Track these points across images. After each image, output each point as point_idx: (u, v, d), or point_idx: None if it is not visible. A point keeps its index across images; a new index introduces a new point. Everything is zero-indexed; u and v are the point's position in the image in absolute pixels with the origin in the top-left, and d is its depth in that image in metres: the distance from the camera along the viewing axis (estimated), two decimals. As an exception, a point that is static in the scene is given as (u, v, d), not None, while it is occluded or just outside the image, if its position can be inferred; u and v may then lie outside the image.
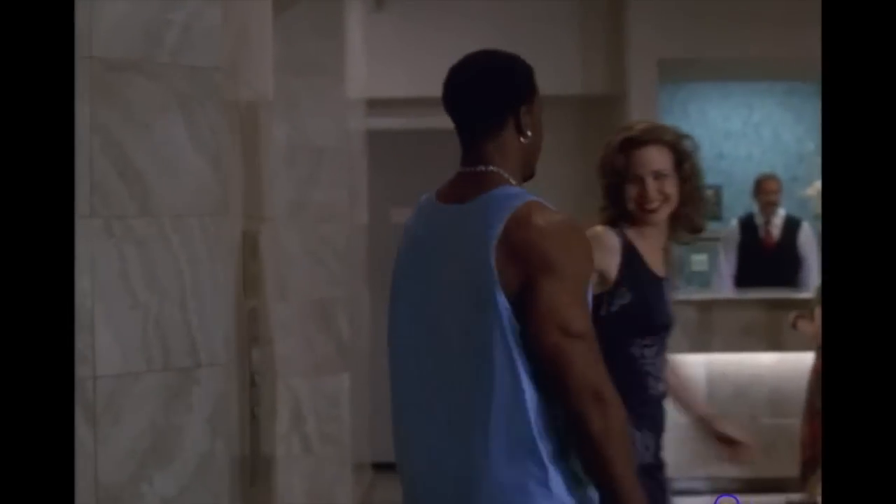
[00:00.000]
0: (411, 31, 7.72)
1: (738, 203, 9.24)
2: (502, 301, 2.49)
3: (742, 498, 6.57)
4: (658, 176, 3.42)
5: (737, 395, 7.13)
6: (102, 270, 2.68)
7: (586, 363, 2.49)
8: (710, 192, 8.68)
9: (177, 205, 2.79)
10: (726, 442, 3.63)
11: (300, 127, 5.51)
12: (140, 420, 2.71)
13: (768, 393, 7.13)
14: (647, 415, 3.40)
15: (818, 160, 9.63)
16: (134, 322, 2.71)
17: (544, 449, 2.52)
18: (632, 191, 3.43)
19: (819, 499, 6.33)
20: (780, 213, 8.10)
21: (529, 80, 2.70)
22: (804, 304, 6.58)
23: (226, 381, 2.87)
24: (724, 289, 7.89)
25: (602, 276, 3.35)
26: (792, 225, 7.98)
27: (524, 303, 2.49)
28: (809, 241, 7.80)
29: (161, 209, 2.76)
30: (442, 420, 2.60)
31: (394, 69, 7.57)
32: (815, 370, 6.44)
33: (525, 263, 2.49)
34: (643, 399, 3.40)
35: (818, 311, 5.81)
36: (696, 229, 3.55)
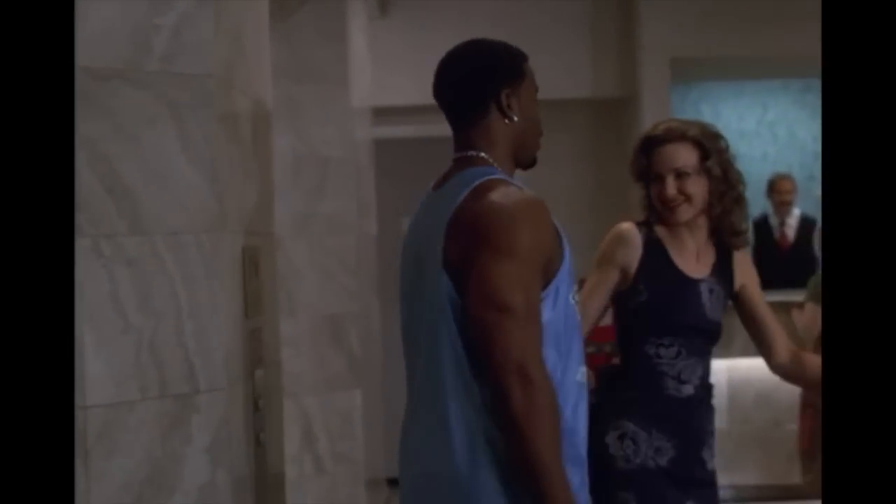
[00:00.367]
0: (416, 38, 7.58)
1: (755, 204, 8.94)
2: (444, 276, 2.53)
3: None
4: (680, 174, 3.34)
5: (759, 401, 6.99)
6: (91, 293, 2.51)
7: (511, 338, 2.44)
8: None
9: (170, 221, 2.62)
10: None
11: (305, 137, 5.35)
12: (135, 452, 2.54)
13: (791, 398, 6.93)
14: (662, 416, 3.32)
15: (835, 158, 9.55)
16: (126, 347, 2.54)
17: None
18: (654, 190, 3.37)
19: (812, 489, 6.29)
20: (795, 214, 7.94)
21: (512, 63, 2.73)
22: None
23: (227, 407, 2.70)
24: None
25: (624, 273, 3.35)
26: (808, 225, 7.83)
27: (462, 276, 2.51)
28: None
29: (153, 227, 2.60)
30: (415, 404, 2.66)
31: (399, 77, 7.43)
32: None
33: (466, 236, 2.52)
34: (658, 400, 3.33)
35: (809, 306, 5.68)
36: (733, 231, 3.42)
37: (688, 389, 3.34)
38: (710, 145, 3.36)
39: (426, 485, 2.65)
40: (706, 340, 3.38)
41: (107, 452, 2.50)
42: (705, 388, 3.40)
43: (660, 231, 3.40)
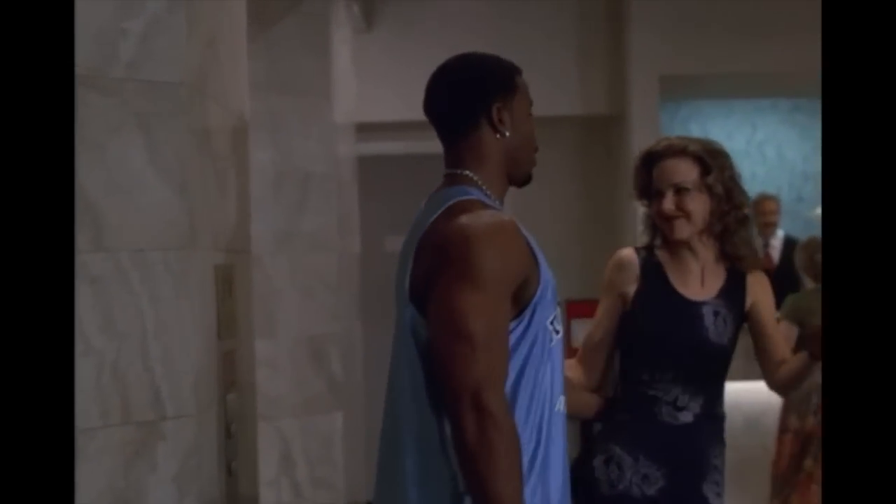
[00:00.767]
0: (402, 53, 7.44)
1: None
2: (409, 306, 2.43)
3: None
4: (679, 190, 3.21)
5: (749, 426, 6.84)
6: (50, 313, 2.36)
7: (467, 366, 2.31)
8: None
9: (136, 238, 2.48)
10: None
11: (286, 151, 5.20)
12: (97, 482, 2.39)
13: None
14: (653, 443, 3.18)
15: (825, 179, 9.47)
16: (87, 371, 2.39)
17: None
18: (654, 207, 3.26)
19: None
20: (779, 235, 7.84)
21: (504, 76, 2.61)
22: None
23: (196, 434, 2.55)
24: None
25: (623, 299, 3.26)
26: (791, 246, 7.70)
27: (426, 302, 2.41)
28: None
29: (118, 243, 2.45)
30: (386, 423, 2.55)
31: (385, 91, 7.30)
32: None
33: (430, 260, 2.41)
34: (650, 425, 3.20)
35: (783, 324, 5.58)
36: (736, 254, 3.27)
37: (686, 417, 3.19)
38: (711, 161, 3.23)
39: None
40: (710, 365, 3.23)
41: (65, 483, 2.35)
42: (710, 418, 3.24)
43: (661, 254, 3.30)
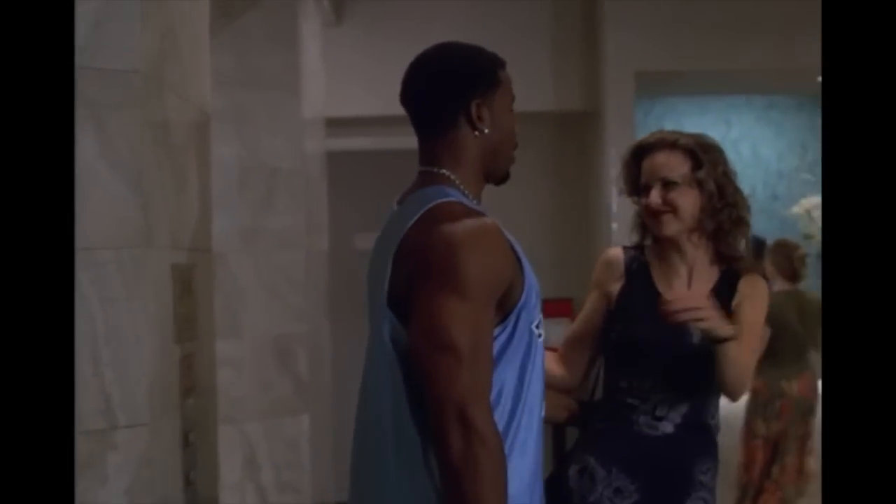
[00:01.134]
0: (372, 47, 7.30)
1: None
2: (388, 313, 2.31)
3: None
4: (667, 184, 3.05)
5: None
6: (-8, 316, 2.21)
7: (452, 380, 2.20)
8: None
9: (86, 235, 2.33)
10: None
11: (252, 146, 5.04)
12: (42, 496, 2.24)
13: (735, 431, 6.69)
14: (627, 454, 3.01)
15: (800, 177, 9.38)
16: (32, 378, 2.24)
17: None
18: (641, 202, 3.10)
19: None
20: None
21: (486, 69, 2.48)
22: None
23: (150, 444, 2.42)
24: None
25: (608, 299, 3.12)
26: (758, 246, 7.59)
27: (408, 311, 2.29)
28: None
29: (66, 240, 2.30)
30: (359, 431, 2.44)
31: (354, 87, 7.17)
32: (752, 389, 6.11)
33: (411, 267, 2.29)
34: (625, 436, 3.02)
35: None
36: (732, 254, 3.09)
37: (665, 427, 3.01)
38: (703, 156, 3.06)
39: None
40: (694, 372, 3.00)
41: (7, 497, 2.21)
42: (695, 429, 3.03)
43: (649, 254, 3.15)
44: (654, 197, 3.05)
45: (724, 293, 3.06)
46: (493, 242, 2.31)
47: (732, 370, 2.90)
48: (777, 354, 6.09)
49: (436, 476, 2.26)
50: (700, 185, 3.03)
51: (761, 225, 8.07)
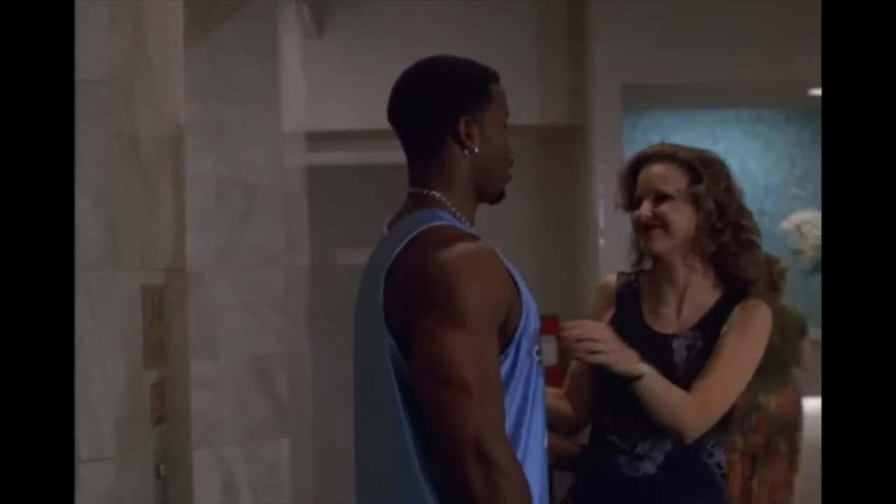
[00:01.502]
0: (355, 60, 7.17)
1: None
2: (387, 336, 2.19)
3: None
4: (660, 197, 2.85)
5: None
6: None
7: (465, 417, 2.10)
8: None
9: (47, 256, 2.18)
10: None
11: (230, 161, 4.88)
12: (-1, 537, 2.09)
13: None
14: (604, 499, 2.79)
15: (789, 192, 9.27)
16: (-12, 410, 2.09)
17: None
18: (633, 215, 2.91)
19: None
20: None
21: (475, 85, 2.35)
22: None
23: (117, 480, 2.27)
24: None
25: None
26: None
27: (408, 341, 2.17)
28: None
29: (26, 262, 2.14)
30: (361, 466, 2.34)
31: (336, 100, 7.03)
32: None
33: (407, 296, 2.18)
34: (603, 478, 2.81)
35: None
36: (739, 274, 2.85)
37: (647, 467, 2.77)
38: (703, 170, 2.85)
39: None
40: None
41: (-39, 540, 2.05)
42: (681, 468, 2.78)
43: (642, 280, 2.96)
44: (645, 209, 2.86)
45: (716, 320, 2.85)
46: (489, 267, 2.19)
47: (661, 411, 2.68)
48: (757, 369, 6.00)
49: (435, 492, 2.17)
50: (697, 200, 2.83)
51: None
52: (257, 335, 4.90)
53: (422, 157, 2.36)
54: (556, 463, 2.89)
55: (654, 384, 2.66)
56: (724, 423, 2.84)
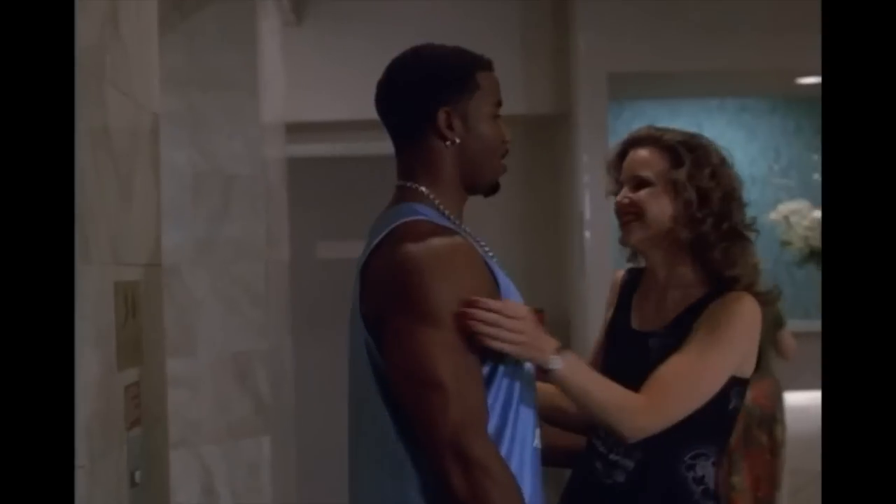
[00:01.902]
0: (335, 48, 7.03)
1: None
2: (364, 332, 2.17)
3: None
4: (639, 184, 2.64)
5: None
6: None
7: (441, 416, 2.07)
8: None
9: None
10: None
11: (207, 152, 4.75)
12: (-39, 553, 1.95)
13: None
14: (587, 502, 2.63)
15: (773, 181, 9.17)
16: (-53, 417, 1.95)
17: None
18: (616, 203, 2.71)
19: None
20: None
21: (458, 74, 2.29)
22: None
23: (88, 489, 2.14)
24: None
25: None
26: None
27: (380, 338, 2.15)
28: None
29: (-12, 257, 2.01)
30: (351, 463, 2.31)
31: (316, 89, 6.89)
32: None
33: (378, 293, 2.16)
34: (581, 486, 2.65)
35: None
36: (719, 268, 2.59)
37: (618, 475, 2.58)
38: (686, 155, 2.60)
39: None
40: None
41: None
42: (653, 478, 2.55)
43: (643, 275, 2.76)
44: (621, 195, 2.66)
45: (693, 315, 2.60)
46: (461, 261, 2.13)
47: (592, 408, 2.40)
48: None
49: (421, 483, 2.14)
50: (675, 186, 2.59)
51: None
52: (236, 331, 4.78)
53: (405, 149, 2.32)
54: (565, 460, 2.73)
55: (576, 378, 2.35)
56: (712, 432, 2.59)
